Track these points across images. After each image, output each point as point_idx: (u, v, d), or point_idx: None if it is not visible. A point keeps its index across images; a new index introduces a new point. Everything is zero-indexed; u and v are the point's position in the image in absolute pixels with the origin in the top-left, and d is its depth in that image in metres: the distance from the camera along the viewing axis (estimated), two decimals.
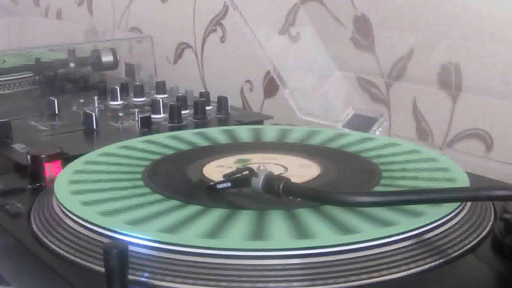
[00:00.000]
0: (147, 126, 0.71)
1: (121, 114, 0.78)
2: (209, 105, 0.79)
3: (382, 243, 0.39)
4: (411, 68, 0.72)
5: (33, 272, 0.43)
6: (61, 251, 0.42)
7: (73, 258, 0.41)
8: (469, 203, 0.46)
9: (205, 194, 0.48)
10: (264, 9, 0.82)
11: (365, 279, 0.37)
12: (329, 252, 0.38)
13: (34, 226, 0.46)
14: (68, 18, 1.43)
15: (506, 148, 0.66)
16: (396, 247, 0.39)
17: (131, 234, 0.40)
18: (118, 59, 1.02)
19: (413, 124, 0.75)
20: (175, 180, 0.52)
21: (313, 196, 0.43)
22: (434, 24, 0.67)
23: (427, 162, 0.54)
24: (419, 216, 0.42)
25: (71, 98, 0.87)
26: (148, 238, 0.39)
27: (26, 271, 0.45)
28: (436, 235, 0.41)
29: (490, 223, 0.45)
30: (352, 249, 0.38)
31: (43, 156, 0.55)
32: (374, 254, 0.39)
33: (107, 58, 1.01)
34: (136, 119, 0.73)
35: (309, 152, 0.57)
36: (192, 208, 0.44)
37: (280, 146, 0.60)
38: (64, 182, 0.50)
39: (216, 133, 0.64)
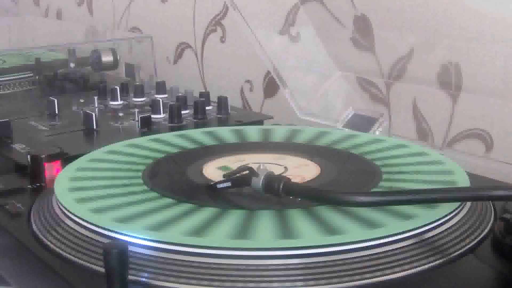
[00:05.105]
0: (147, 126, 0.71)
1: (121, 114, 0.78)
2: (209, 105, 0.79)
3: (382, 243, 0.39)
4: (411, 68, 0.72)
5: (33, 272, 0.43)
6: (61, 251, 0.42)
7: (73, 258, 0.41)
8: (469, 203, 0.46)
9: (206, 194, 0.48)
10: (264, 9, 0.82)
11: (364, 279, 0.37)
12: (329, 252, 0.38)
13: (34, 226, 0.46)
14: (68, 18, 1.43)
15: (506, 148, 0.66)
16: (396, 247, 0.39)
17: (131, 234, 0.40)
18: (118, 59, 1.02)
19: (413, 124, 0.75)
20: (175, 180, 0.52)
21: (313, 196, 0.43)
22: (434, 24, 0.67)
23: (427, 162, 0.54)
24: (419, 216, 0.42)
25: (71, 98, 0.87)
26: (148, 238, 0.39)
27: (26, 271, 0.45)
28: (436, 235, 0.41)
29: (490, 223, 0.45)
30: (352, 249, 0.38)
31: (43, 156, 0.55)
32: (374, 254, 0.39)
33: (107, 58, 1.01)
34: (136, 119, 0.73)
35: (303, 151, 0.57)
36: (208, 211, 0.44)
37: (276, 146, 0.60)
38: (64, 182, 0.50)
39: (198, 135, 0.63)
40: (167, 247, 0.39)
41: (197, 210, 0.44)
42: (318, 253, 0.38)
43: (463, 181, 0.49)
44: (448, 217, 0.43)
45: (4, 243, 0.47)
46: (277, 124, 0.72)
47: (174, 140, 0.61)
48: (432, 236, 0.41)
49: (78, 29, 1.31)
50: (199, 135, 0.63)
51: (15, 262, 0.46)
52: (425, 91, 0.73)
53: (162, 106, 0.76)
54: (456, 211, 0.44)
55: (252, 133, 0.64)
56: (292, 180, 0.45)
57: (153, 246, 0.39)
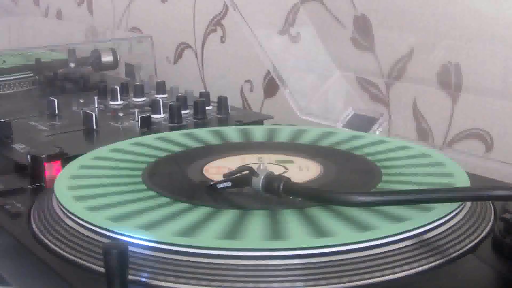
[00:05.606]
0: (147, 126, 0.71)
1: (121, 114, 0.78)
2: (209, 105, 0.79)
3: (382, 243, 0.39)
4: (411, 68, 0.72)
5: (33, 272, 0.43)
6: (61, 251, 0.42)
7: (73, 258, 0.41)
8: (469, 203, 0.46)
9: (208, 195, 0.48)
10: (264, 9, 0.82)
11: (366, 279, 0.37)
12: (329, 252, 0.38)
13: (34, 226, 0.46)
14: (68, 18, 1.43)
15: (506, 148, 0.66)
16: (396, 247, 0.39)
17: (131, 234, 0.40)
18: (118, 59, 1.02)
19: (413, 124, 0.75)
20: (175, 180, 0.52)
21: (313, 195, 0.43)
22: (434, 24, 0.67)
23: (427, 162, 0.54)
24: (419, 216, 0.42)
25: (71, 98, 0.87)
26: (148, 238, 0.39)
27: (26, 271, 0.45)
28: (436, 235, 0.41)
29: (490, 223, 0.45)
30: (352, 249, 0.38)
31: (43, 156, 0.55)
32: (374, 254, 0.39)
33: (107, 58, 1.01)
34: (136, 119, 0.73)
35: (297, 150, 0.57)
36: (201, 210, 0.44)
37: (272, 146, 0.60)
38: (64, 182, 0.50)
39: (178, 137, 0.63)
40: (146, 244, 0.39)
41: (218, 213, 0.44)
42: (319, 253, 0.38)
43: (463, 181, 0.49)
44: (448, 217, 0.43)
45: (4, 243, 0.47)
46: (277, 124, 0.72)
47: (155, 143, 0.61)
48: (432, 237, 0.41)
49: (78, 29, 1.31)
50: (178, 136, 0.63)
51: (15, 262, 0.46)
52: (425, 91, 0.73)
53: (162, 106, 0.76)
54: (456, 211, 0.44)
55: (232, 134, 0.64)
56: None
57: (132, 243, 0.39)
